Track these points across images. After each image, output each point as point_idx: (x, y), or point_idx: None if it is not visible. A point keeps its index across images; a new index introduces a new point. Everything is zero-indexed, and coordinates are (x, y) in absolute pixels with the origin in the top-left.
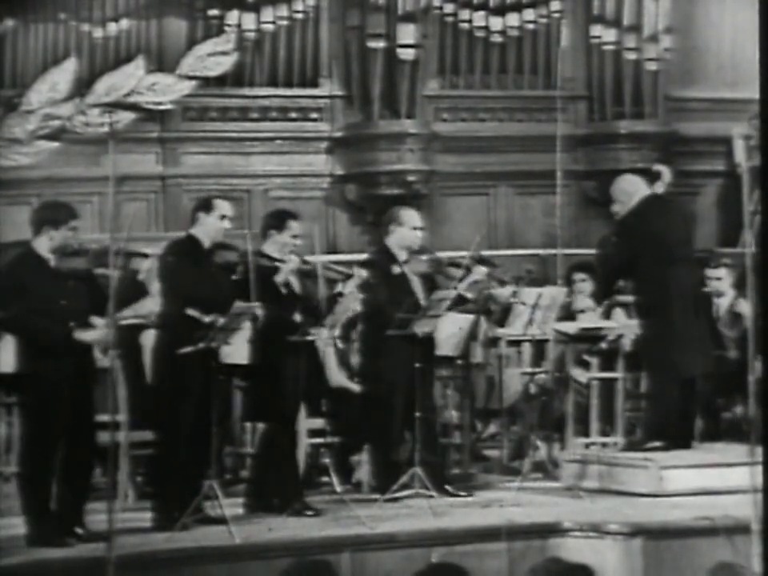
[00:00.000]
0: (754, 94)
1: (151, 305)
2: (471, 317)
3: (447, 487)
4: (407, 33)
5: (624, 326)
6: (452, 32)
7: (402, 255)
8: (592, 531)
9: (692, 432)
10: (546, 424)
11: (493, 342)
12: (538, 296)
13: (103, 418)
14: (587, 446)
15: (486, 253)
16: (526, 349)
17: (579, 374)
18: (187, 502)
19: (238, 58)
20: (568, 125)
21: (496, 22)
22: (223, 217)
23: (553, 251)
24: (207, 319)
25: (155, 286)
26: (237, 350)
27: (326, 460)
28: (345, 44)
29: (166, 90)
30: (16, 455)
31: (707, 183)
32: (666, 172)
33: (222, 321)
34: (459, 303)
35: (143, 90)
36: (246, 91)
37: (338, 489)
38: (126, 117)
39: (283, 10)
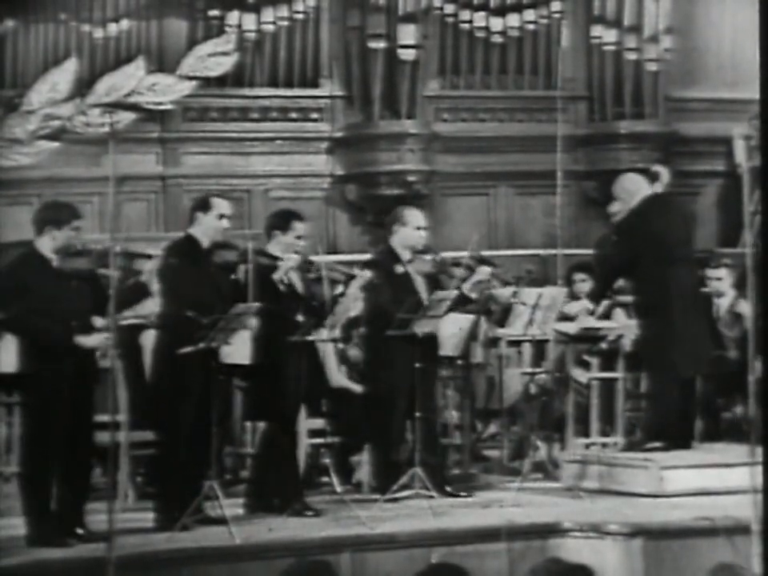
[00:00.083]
0: (754, 94)
1: (152, 305)
2: (471, 317)
3: (447, 487)
4: (408, 33)
5: (624, 326)
6: (452, 32)
7: (406, 255)
8: (592, 531)
9: (692, 432)
10: (546, 424)
11: (493, 342)
12: (538, 296)
13: (103, 418)
14: (587, 446)
15: (486, 253)
16: (526, 349)
17: (579, 374)
18: (187, 502)
19: (238, 59)
20: (568, 125)
21: (496, 23)
22: (221, 216)
23: (553, 251)
24: (206, 320)
25: (155, 287)
26: (237, 350)
27: (326, 460)
28: (345, 44)
29: (167, 91)
30: (16, 455)
31: (707, 183)
32: (664, 173)
33: (222, 321)
34: (463, 303)
35: (143, 91)
36: (247, 91)
37: (338, 489)
38: (126, 117)
39: (283, 11)
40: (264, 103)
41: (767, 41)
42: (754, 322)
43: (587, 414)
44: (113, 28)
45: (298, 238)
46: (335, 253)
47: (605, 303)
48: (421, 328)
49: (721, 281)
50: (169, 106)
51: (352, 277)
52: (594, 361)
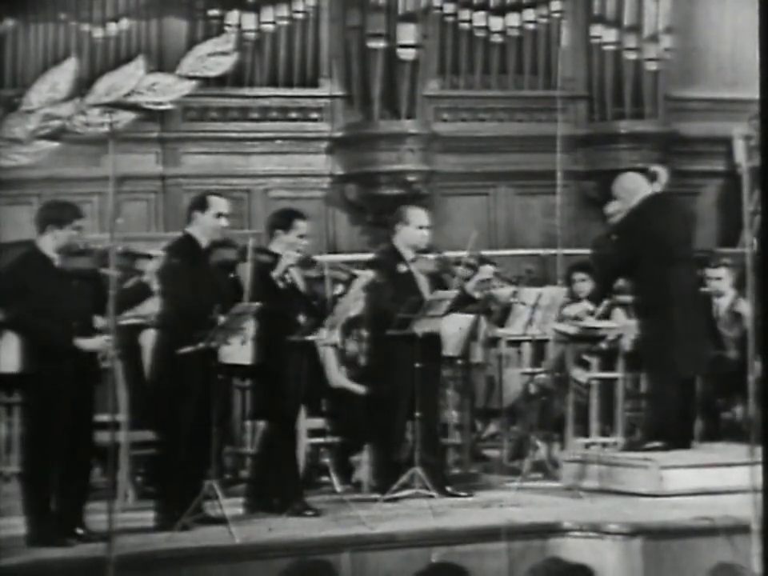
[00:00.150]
0: (754, 94)
1: (152, 305)
2: (471, 317)
3: (447, 487)
4: (407, 33)
5: (624, 326)
6: (452, 32)
7: (409, 254)
8: (592, 531)
9: (692, 432)
10: (545, 424)
11: (493, 342)
12: (538, 296)
13: (103, 417)
14: (587, 446)
15: (486, 253)
16: (526, 349)
17: (579, 374)
18: (187, 501)
19: (238, 58)
20: (568, 125)
21: (496, 22)
22: (219, 214)
23: (553, 251)
24: (210, 318)
25: (155, 286)
26: (237, 350)
27: (326, 460)
28: (345, 44)
29: (166, 90)
30: (16, 455)
31: (707, 183)
32: (662, 173)
33: (222, 321)
34: (466, 302)
35: (143, 90)
36: (246, 91)
37: (338, 489)
38: (126, 117)
39: (283, 10)
40: (264, 103)
41: (767, 41)
42: (753, 321)
43: (587, 414)
44: (112, 28)
45: (301, 236)
46: (335, 253)
47: (605, 303)
48: (421, 328)
49: (720, 281)
50: (168, 106)
51: (354, 276)
52: (594, 361)
